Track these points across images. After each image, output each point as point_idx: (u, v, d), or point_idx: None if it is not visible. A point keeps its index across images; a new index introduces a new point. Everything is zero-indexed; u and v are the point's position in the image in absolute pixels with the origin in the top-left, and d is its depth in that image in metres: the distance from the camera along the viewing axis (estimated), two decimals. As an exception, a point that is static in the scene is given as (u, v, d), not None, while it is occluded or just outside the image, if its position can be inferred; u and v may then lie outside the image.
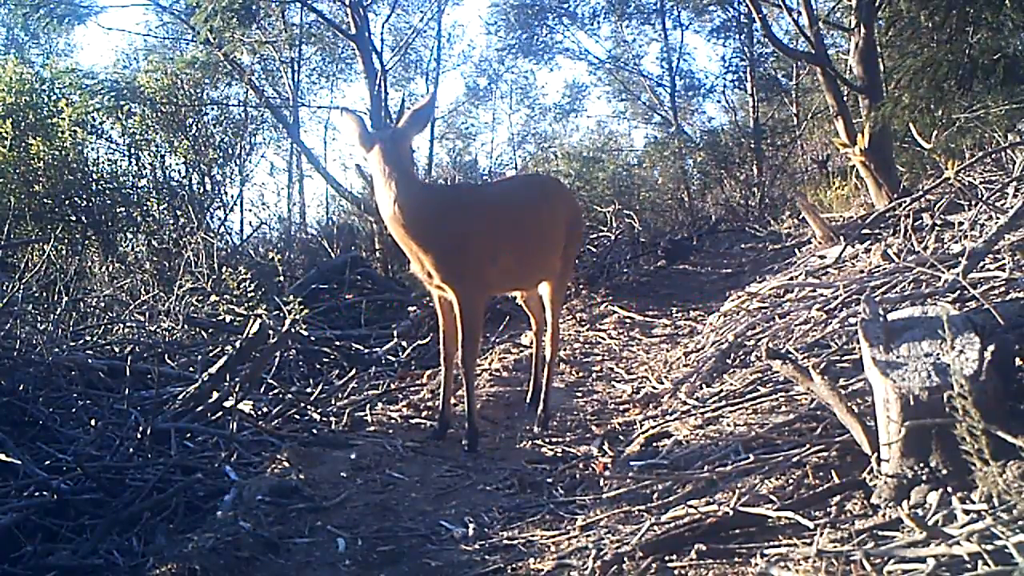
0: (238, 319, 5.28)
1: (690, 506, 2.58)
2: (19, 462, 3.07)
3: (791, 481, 2.61)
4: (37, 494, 3.02)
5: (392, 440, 3.91)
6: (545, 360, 4.35)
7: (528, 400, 4.51)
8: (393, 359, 5.57)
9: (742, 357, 4.37)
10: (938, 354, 2.31)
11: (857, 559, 1.95)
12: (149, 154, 9.92)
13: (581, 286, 7.61)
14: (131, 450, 3.43)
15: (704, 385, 4.13)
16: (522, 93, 19.29)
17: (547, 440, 3.92)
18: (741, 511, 2.36)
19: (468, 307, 3.76)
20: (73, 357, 4.32)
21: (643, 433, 3.59)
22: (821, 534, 2.15)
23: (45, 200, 8.71)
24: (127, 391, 3.93)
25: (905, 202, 6.28)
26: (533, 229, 4.08)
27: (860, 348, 2.57)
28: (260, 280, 5.89)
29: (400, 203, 3.51)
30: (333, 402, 4.51)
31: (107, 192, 9.23)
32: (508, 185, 4.41)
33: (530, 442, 3.93)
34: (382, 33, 14.15)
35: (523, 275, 4.18)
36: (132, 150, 9.87)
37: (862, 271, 5.17)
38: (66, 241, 8.30)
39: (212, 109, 11.15)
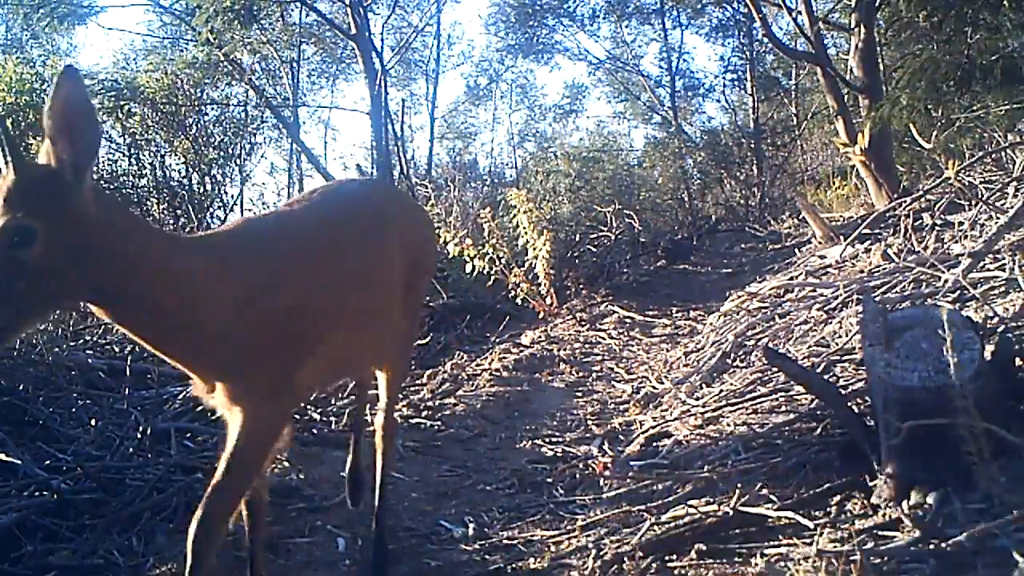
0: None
1: (690, 506, 2.58)
2: (19, 462, 3.07)
3: (791, 481, 2.62)
4: (37, 494, 3.02)
5: (392, 440, 3.90)
6: (377, 464, 2.67)
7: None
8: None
9: (742, 357, 4.38)
10: (938, 354, 2.31)
11: (857, 559, 1.95)
12: (149, 154, 9.96)
13: (581, 286, 7.61)
14: (131, 450, 3.42)
15: (704, 385, 4.13)
16: (522, 93, 19.28)
17: (547, 440, 3.92)
18: (741, 511, 2.36)
19: (261, 431, 1.96)
20: (73, 357, 4.32)
21: (643, 433, 3.60)
22: (821, 534, 2.15)
23: (45, 200, 8.68)
24: (127, 391, 3.94)
25: (905, 202, 6.27)
26: (360, 273, 2.29)
27: (860, 348, 2.57)
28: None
29: None
30: (333, 402, 4.50)
31: (107, 192, 9.21)
32: (313, 208, 2.30)
33: (530, 442, 3.93)
34: (382, 33, 14.18)
35: (354, 355, 2.42)
36: (132, 150, 9.90)
37: (862, 271, 5.17)
38: (66, 241, 8.28)
39: (212, 109, 11.21)
